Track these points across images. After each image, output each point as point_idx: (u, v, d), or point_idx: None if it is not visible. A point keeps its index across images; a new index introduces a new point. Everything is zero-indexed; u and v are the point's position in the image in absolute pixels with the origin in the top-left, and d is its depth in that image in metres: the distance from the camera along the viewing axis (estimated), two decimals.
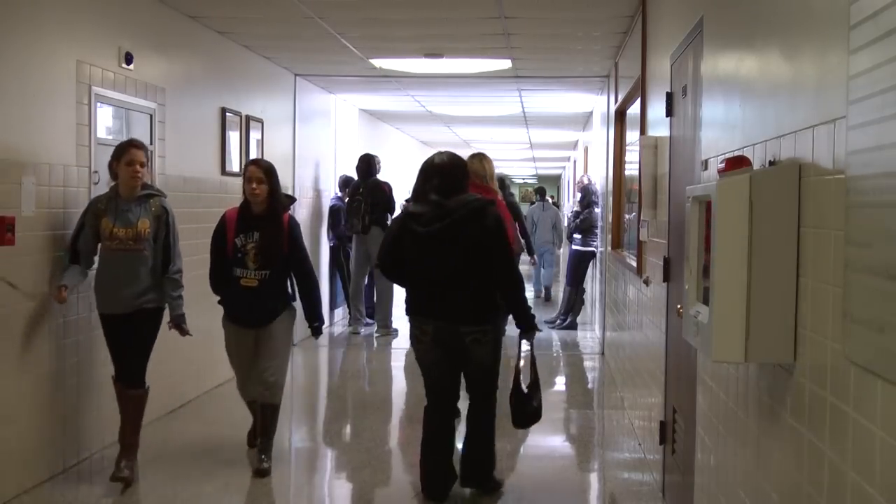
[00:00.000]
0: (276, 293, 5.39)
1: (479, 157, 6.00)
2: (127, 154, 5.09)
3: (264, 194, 5.30)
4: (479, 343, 4.75)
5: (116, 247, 5.06)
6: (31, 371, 4.98)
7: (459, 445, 5.12)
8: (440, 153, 4.93)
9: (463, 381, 4.98)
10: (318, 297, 5.60)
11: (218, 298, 5.51)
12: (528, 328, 4.88)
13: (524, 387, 4.89)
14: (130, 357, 5.19)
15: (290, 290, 5.50)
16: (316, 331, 5.58)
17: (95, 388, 5.53)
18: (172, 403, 6.72)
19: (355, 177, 10.97)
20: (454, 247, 4.64)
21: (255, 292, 5.32)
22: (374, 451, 5.95)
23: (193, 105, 7.21)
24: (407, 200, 5.11)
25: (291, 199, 5.74)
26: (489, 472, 5.02)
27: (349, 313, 11.10)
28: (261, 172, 5.31)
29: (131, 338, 5.16)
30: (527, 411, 4.88)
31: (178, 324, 5.28)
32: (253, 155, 8.58)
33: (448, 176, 4.76)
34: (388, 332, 10.67)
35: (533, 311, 4.95)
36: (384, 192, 10.55)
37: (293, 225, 5.45)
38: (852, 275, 1.99)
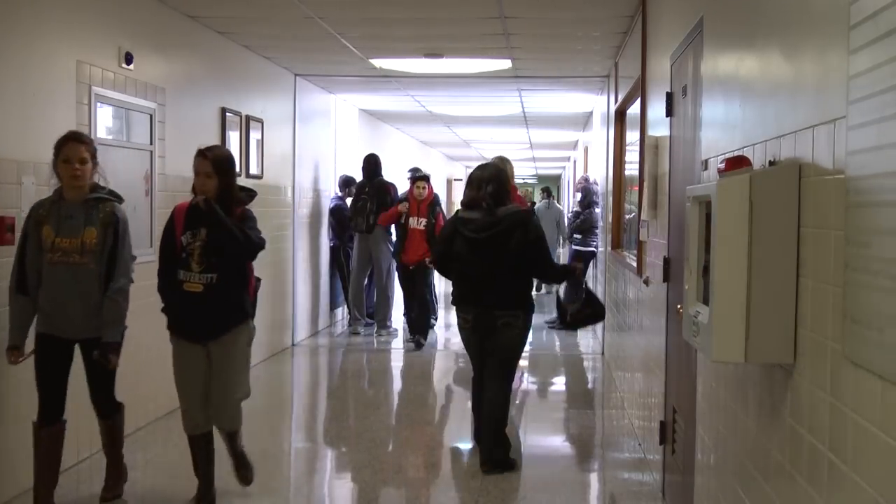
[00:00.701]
0: (226, 300, 4.61)
1: (502, 160, 6.79)
2: (64, 150, 4.41)
3: (213, 190, 4.54)
4: (509, 326, 5.51)
5: (59, 259, 4.39)
6: None
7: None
8: (486, 164, 5.85)
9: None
10: (244, 291, 4.72)
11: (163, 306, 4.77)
12: (568, 277, 6.38)
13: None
14: (96, 385, 4.62)
15: (247, 298, 4.75)
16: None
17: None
18: (171, 405, 6.71)
19: (356, 177, 10.97)
20: (499, 251, 5.46)
21: (201, 299, 4.55)
22: (374, 451, 5.95)
23: (193, 105, 7.21)
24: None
25: (250, 194, 4.82)
26: (503, 453, 5.53)
27: (349, 313, 11.10)
28: (208, 165, 4.54)
29: (90, 368, 4.59)
30: (566, 311, 6.28)
31: (105, 353, 4.47)
32: (253, 155, 8.57)
33: (498, 183, 5.59)
34: (388, 332, 10.67)
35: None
36: (389, 192, 10.52)
37: (247, 217, 4.64)
38: (852, 274, 1.99)
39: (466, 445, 6.18)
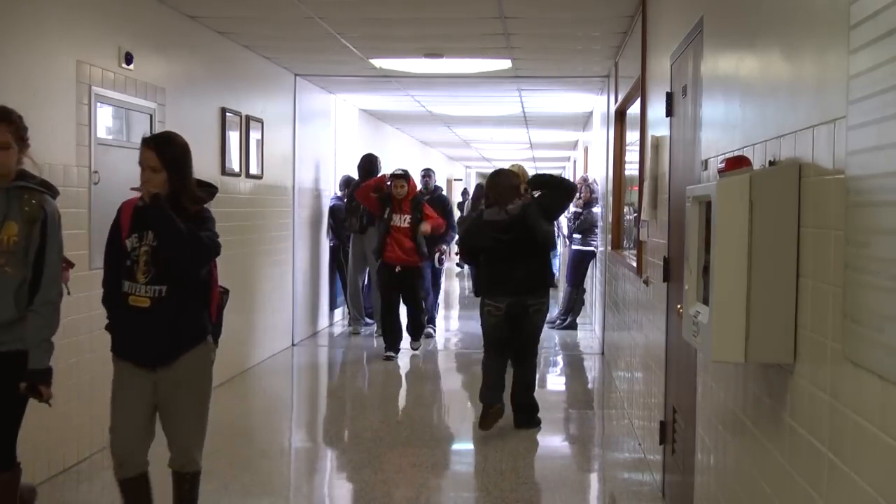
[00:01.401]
0: (179, 318, 3.81)
1: (520, 167, 7.16)
2: None
3: (160, 186, 3.73)
4: (539, 312, 6.29)
5: None
6: None
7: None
8: (497, 171, 6.58)
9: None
10: (205, 314, 3.93)
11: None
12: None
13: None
14: None
15: (207, 315, 3.95)
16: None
17: None
18: None
19: (356, 176, 10.95)
20: (527, 247, 6.16)
21: (148, 315, 3.76)
22: (374, 451, 5.95)
23: (193, 105, 7.21)
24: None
25: (210, 191, 3.99)
26: (534, 414, 6.47)
27: (349, 313, 11.09)
28: (154, 159, 3.72)
29: None
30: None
31: (34, 383, 3.62)
32: (253, 155, 8.57)
33: (495, 183, 6.37)
34: None
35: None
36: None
37: (204, 217, 3.86)
38: (852, 274, 1.99)
39: (467, 445, 6.18)
